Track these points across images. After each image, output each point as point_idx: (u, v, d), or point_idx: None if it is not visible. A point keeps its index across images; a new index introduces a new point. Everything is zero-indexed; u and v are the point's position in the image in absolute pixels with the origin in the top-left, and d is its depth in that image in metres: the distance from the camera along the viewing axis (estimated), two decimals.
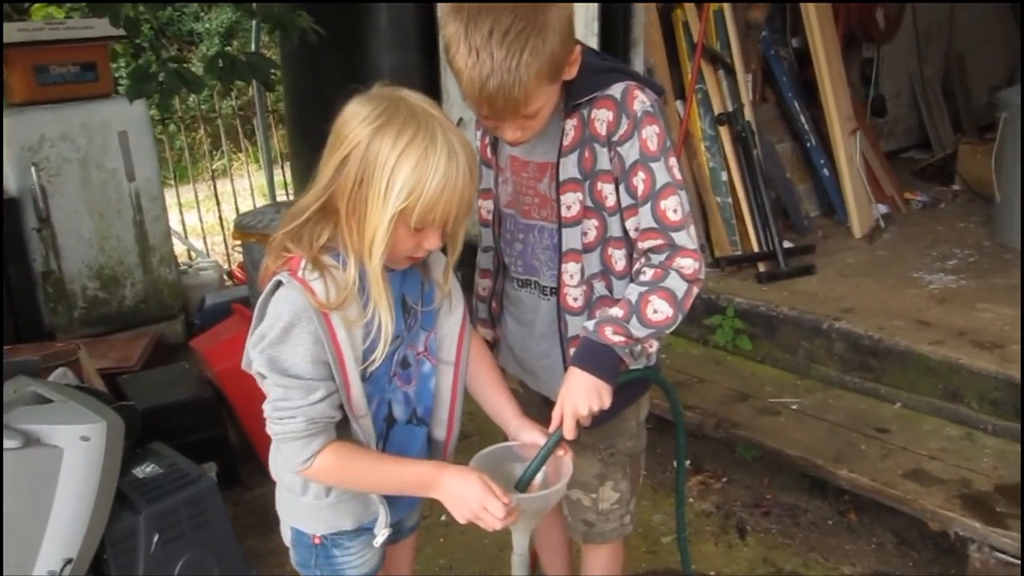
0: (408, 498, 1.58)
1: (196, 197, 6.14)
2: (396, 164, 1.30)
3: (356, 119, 1.34)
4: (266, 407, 1.39)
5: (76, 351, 3.24)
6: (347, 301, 1.36)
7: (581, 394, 1.52)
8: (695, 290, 1.57)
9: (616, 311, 1.55)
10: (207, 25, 10.91)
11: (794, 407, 3.16)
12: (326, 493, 1.51)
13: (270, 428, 1.39)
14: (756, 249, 4.13)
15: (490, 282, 1.87)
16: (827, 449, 2.85)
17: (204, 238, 6.06)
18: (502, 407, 1.65)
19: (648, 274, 1.56)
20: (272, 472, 1.58)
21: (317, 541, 1.56)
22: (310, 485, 1.51)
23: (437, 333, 1.59)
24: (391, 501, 1.51)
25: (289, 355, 1.35)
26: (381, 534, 1.51)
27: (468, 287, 1.93)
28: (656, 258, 1.57)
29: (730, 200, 4.22)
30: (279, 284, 1.37)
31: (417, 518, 1.79)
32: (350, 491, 1.51)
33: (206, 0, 3.06)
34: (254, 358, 1.38)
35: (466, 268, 4.54)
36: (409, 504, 1.66)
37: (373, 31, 4.64)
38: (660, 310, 1.53)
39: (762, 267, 4.01)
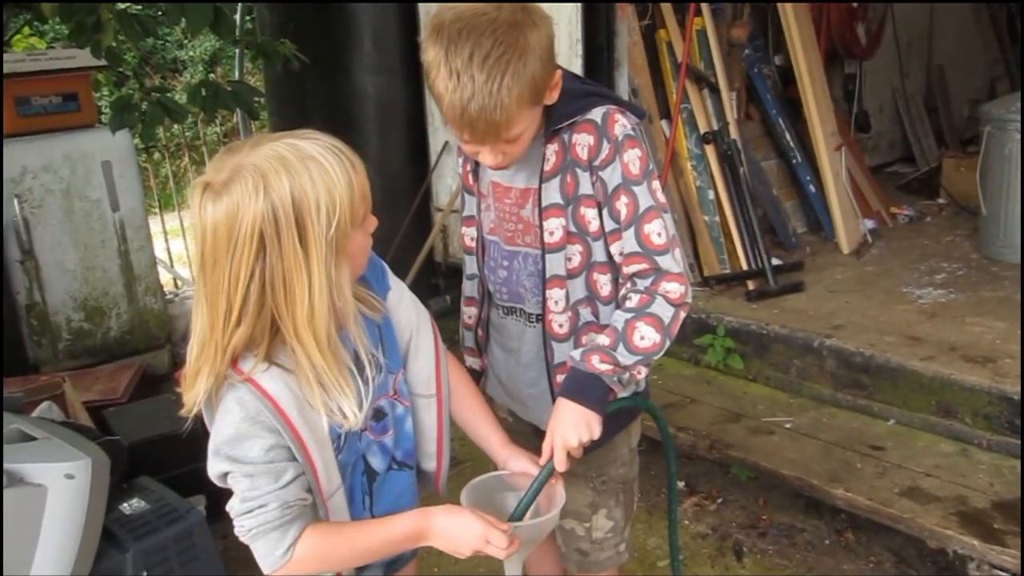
0: None
1: (182, 225, 6.11)
2: (294, 194, 1.21)
3: (227, 214, 1.21)
4: (233, 506, 1.29)
5: (61, 384, 3.20)
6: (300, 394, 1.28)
7: (570, 426, 1.49)
8: (682, 314, 1.55)
9: (603, 339, 1.53)
10: (191, 53, 10.93)
11: (788, 426, 3.15)
12: None
13: (240, 527, 1.29)
14: (745, 267, 4.13)
15: (475, 310, 1.84)
16: (822, 468, 2.83)
17: (190, 266, 6.03)
18: (488, 435, 1.61)
19: (634, 300, 1.54)
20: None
21: None
22: None
23: (410, 371, 1.53)
24: None
25: (248, 448, 1.27)
26: None
27: (456, 312, 1.91)
28: (641, 283, 1.55)
29: (718, 218, 4.23)
30: (229, 386, 1.29)
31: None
32: None
33: None
34: (213, 463, 1.30)
35: (454, 291, 4.53)
36: None
37: (357, 56, 4.64)
38: (647, 336, 1.51)
39: (751, 285, 4.01)
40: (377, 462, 1.46)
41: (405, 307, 1.53)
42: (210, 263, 1.24)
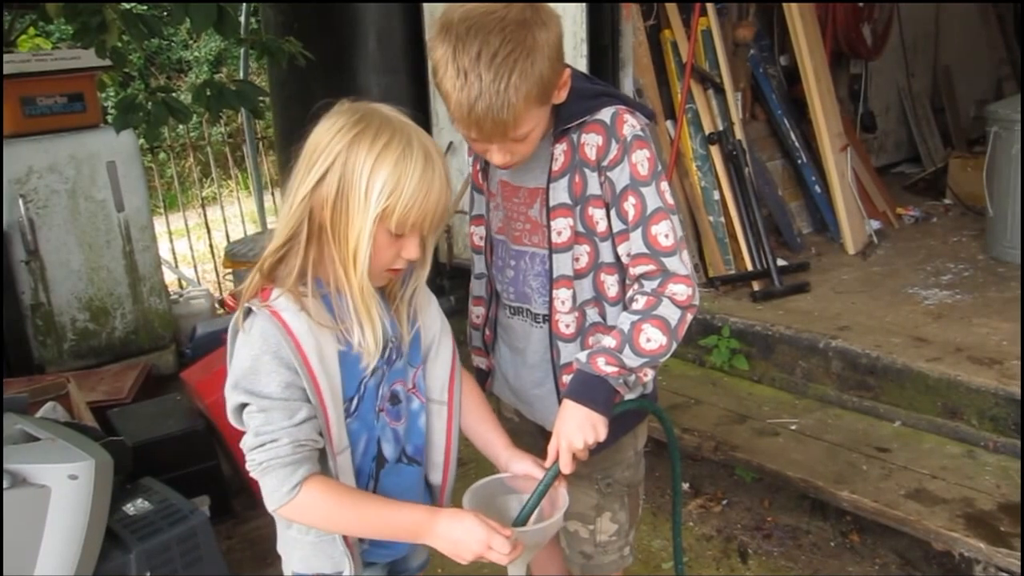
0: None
1: (186, 225, 6.12)
2: (374, 166, 1.29)
3: (329, 134, 1.33)
4: (247, 441, 1.33)
5: (66, 384, 3.21)
6: (320, 329, 1.33)
7: (575, 427, 1.49)
8: (689, 316, 1.54)
9: (609, 341, 1.52)
10: (196, 53, 10.94)
11: (793, 427, 3.13)
12: (307, 530, 1.45)
13: (252, 461, 1.32)
14: (750, 268, 4.12)
15: (483, 309, 1.84)
16: (828, 470, 2.82)
17: (195, 266, 6.04)
18: (492, 440, 1.61)
19: (640, 302, 1.53)
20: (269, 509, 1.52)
21: None
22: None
23: (427, 373, 1.55)
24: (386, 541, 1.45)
25: (265, 382, 1.31)
26: None
27: (465, 311, 1.90)
28: (648, 285, 1.54)
29: (722, 219, 4.22)
30: (249, 312, 1.34)
31: (425, 557, 1.70)
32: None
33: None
34: (231, 396, 1.34)
35: (459, 292, 4.53)
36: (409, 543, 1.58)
37: (362, 56, 4.64)
38: (653, 338, 1.50)
39: (756, 286, 4.00)
40: (389, 449, 1.48)
41: (432, 314, 1.55)
42: (300, 172, 1.35)
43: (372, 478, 1.47)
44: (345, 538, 1.43)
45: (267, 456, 1.31)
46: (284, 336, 1.31)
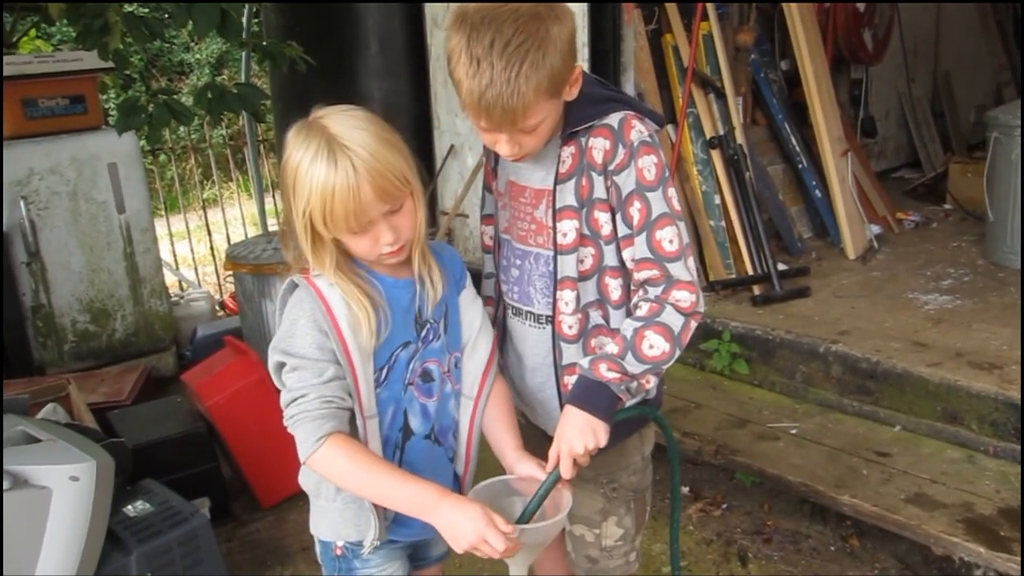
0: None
1: (187, 227, 6.12)
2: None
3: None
4: (283, 398, 1.45)
5: (66, 386, 3.21)
6: (357, 301, 1.47)
7: (576, 433, 1.49)
8: (693, 323, 1.54)
9: (612, 347, 1.52)
10: (197, 56, 10.94)
11: (793, 432, 3.14)
12: (334, 497, 1.56)
13: (286, 415, 1.44)
14: (750, 272, 4.12)
15: (492, 309, 1.85)
16: (828, 474, 2.82)
17: (195, 268, 6.04)
18: (503, 438, 1.65)
19: (644, 308, 1.53)
20: (301, 483, 1.64)
21: (338, 552, 1.61)
22: (322, 487, 1.57)
23: (464, 367, 1.64)
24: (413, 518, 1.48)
25: (299, 343, 1.45)
26: (370, 545, 1.54)
27: None
28: (653, 291, 1.54)
29: (723, 223, 4.22)
30: (294, 286, 1.51)
31: (446, 548, 1.72)
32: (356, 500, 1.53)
33: None
34: (271, 355, 1.48)
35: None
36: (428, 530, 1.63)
37: (363, 60, 4.64)
38: (656, 345, 1.50)
39: (757, 290, 4.00)
40: (416, 423, 1.58)
41: (475, 310, 1.67)
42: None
43: (398, 448, 1.56)
44: (374, 504, 1.51)
45: (297, 410, 1.43)
46: (318, 303, 1.46)
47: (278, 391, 1.49)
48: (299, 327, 1.46)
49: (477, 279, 1.92)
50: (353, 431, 1.48)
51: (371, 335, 1.48)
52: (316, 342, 1.45)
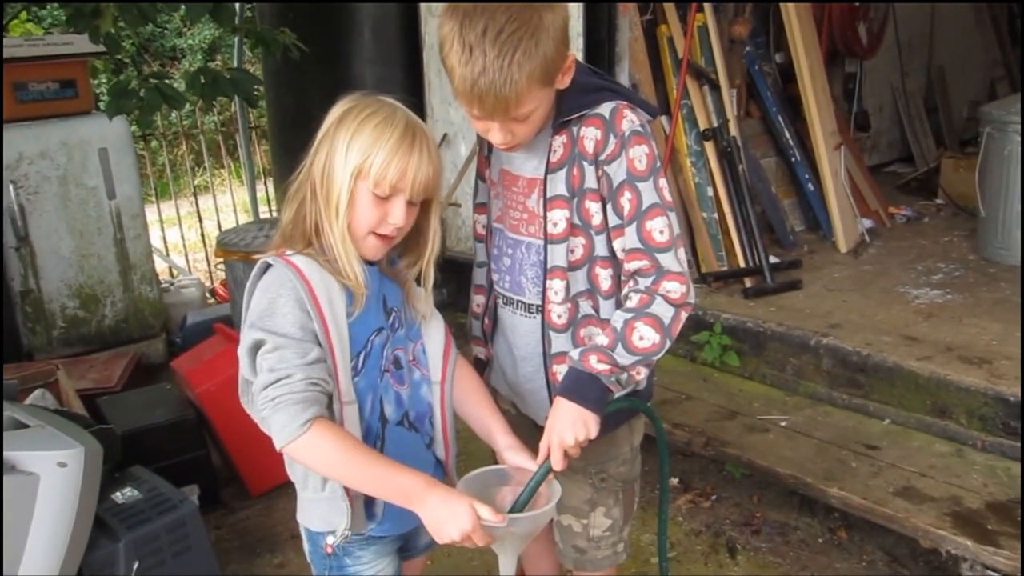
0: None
1: (178, 214, 6.09)
2: (356, 131, 1.44)
3: (331, 112, 1.49)
4: (260, 379, 1.38)
5: (55, 372, 3.19)
6: (331, 281, 1.45)
7: (567, 424, 1.50)
8: (683, 315, 1.54)
9: (602, 339, 1.52)
10: (190, 41, 10.87)
11: (783, 424, 3.14)
12: (322, 487, 1.51)
13: (265, 397, 1.36)
14: (742, 264, 4.12)
15: (484, 298, 1.84)
16: (817, 467, 2.83)
17: (186, 255, 6.01)
18: (490, 427, 1.65)
19: (634, 300, 1.53)
20: (289, 473, 1.59)
21: (329, 551, 1.57)
22: (309, 478, 1.52)
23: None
24: (401, 511, 1.46)
25: (280, 322, 1.40)
26: (341, 536, 1.51)
27: (457, 305, 1.92)
28: (643, 282, 1.54)
29: (716, 215, 4.22)
30: (267, 266, 1.46)
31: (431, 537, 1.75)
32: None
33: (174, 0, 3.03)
34: (247, 334, 1.41)
35: (450, 284, 4.53)
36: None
37: (356, 47, 4.62)
38: (646, 336, 1.50)
39: (749, 282, 4.00)
40: (391, 410, 1.55)
41: (419, 297, 1.63)
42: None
43: (379, 438, 1.53)
44: (347, 491, 1.48)
45: (281, 391, 1.36)
46: (299, 280, 1.42)
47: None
48: (280, 305, 1.41)
49: (469, 268, 1.92)
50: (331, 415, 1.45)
51: (360, 299, 1.47)
52: (299, 321, 1.40)
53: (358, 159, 1.43)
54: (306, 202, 1.49)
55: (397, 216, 1.46)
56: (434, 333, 1.64)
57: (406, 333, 1.60)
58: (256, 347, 1.40)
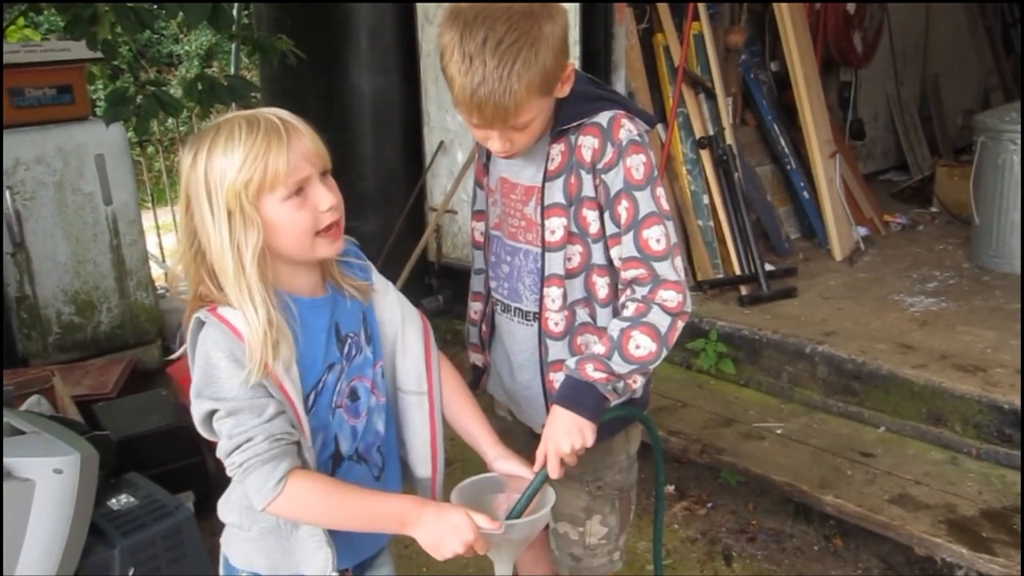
0: (370, 540, 1.51)
1: (174, 220, 6.08)
2: (220, 155, 1.30)
3: (183, 164, 1.35)
4: (222, 447, 1.32)
5: (50, 378, 3.19)
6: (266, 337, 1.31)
7: (563, 432, 1.49)
8: (680, 323, 1.54)
9: (598, 347, 1.52)
10: (187, 47, 10.88)
11: (778, 431, 3.15)
12: (249, 527, 1.44)
13: (232, 464, 1.31)
14: (738, 272, 4.13)
15: (481, 305, 1.85)
16: (812, 474, 2.83)
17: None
18: (478, 435, 1.60)
19: (631, 308, 1.53)
20: (220, 512, 1.51)
21: None
22: (256, 520, 1.42)
23: (399, 369, 1.54)
24: (348, 542, 1.42)
25: (226, 387, 1.31)
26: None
27: (453, 311, 1.91)
28: (640, 291, 1.54)
29: (711, 223, 4.23)
30: (201, 323, 1.34)
31: (390, 570, 1.66)
32: (296, 532, 1.41)
33: None
34: (196, 405, 1.33)
35: (447, 291, 4.49)
36: (371, 546, 1.56)
37: (353, 54, 4.62)
38: (643, 345, 1.50)
39: (744, 290, 4.01)
40: (346, 446, 1.46)
41: (389, 304, 1.54)
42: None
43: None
44: (330, 532, 1.40)
45: (245, 456, 1.30)
46: (233, 338, 1.30)
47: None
48: (221, 369, 1.30)
49: (466, 275, 1.92)
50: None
51: (290, 354, 1.34)
52: (244, 379, 1.29)
53: (247, 175, 1.28)
54: (203, 260, 1.35)
55: (325, 197, 1.34)
56: (410, 339, 1.54)
57: (366, 357, 1.48)
58: (209, 416, 1.33)
